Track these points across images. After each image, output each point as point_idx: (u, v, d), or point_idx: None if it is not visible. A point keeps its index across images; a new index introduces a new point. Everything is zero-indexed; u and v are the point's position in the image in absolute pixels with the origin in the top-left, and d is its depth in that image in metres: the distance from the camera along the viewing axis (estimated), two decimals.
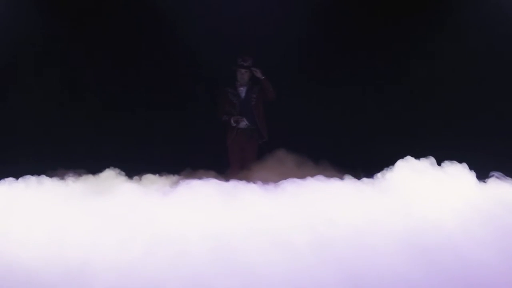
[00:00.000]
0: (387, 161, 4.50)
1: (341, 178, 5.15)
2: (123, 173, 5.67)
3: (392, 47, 7.00)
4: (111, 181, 5.43)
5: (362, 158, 6.47)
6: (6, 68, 6.80)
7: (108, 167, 5.82)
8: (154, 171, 6.26)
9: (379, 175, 4.34)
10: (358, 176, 5.62)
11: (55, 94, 7.07)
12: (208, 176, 6.04)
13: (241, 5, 6.89)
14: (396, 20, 6.91)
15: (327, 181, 4.38)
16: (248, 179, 5.69)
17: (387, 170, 4.38)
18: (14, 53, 6.84)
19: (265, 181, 4.94)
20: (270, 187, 4.31)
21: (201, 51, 7.05)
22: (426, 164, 4.35)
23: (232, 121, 6.86)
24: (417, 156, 4.44)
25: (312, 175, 5.24)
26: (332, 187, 4.26)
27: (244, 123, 6.85)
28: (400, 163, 4.37)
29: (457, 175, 4.31)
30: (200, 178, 5.81)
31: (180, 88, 7.29)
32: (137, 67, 7.27)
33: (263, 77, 6.81)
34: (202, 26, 6.98)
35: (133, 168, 5.90)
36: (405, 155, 4.58)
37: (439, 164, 4.37)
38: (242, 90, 6.93)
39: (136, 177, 5.78)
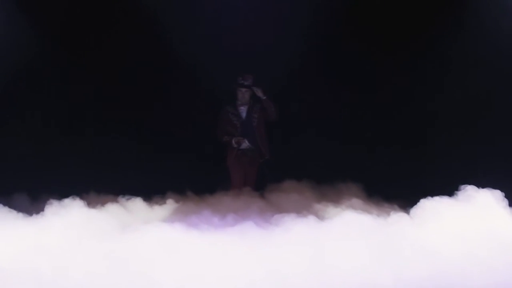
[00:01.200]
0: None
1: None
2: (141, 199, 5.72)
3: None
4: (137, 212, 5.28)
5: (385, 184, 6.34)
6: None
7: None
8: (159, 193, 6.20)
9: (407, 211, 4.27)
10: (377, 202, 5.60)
11: (54, 121, 6.92)
12: (211, 198, 5.97)
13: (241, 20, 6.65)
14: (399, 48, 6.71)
15: (346, 219, 4.19)
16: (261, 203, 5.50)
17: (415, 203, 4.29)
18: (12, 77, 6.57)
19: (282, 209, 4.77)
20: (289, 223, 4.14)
21: (200, 67, 6.80)
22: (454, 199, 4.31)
23: (233, 142, 6.59)
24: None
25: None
26: (351, 227, 4.06)
27: (245, 144, 6.60)
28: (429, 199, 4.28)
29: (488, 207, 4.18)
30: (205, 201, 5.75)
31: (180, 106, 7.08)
32: (138, 88, 7.02)
33: (264, 97, 6.58)
34: (200, 44, 6.76)
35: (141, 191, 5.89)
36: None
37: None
38: (243, 110, 6.68)
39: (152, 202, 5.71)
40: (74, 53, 6.76)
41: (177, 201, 6.03)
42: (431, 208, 4.21)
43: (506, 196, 4.32)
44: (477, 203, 4.23)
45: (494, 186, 4.35)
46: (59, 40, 6.68)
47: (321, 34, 6.72)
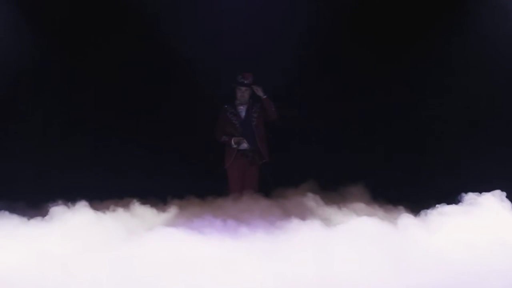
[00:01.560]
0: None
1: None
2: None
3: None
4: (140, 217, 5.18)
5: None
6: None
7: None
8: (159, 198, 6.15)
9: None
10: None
11: (53, 125, 6.87)
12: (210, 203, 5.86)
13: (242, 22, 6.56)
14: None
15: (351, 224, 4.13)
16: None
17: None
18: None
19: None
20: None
21: (201, 70, 6.72)
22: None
23: (233, 142, 6.38)
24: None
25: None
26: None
27: (245, 145, 6.40)
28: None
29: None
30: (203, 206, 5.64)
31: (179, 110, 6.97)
32: (140, 92, 6.94)
33: (264, 96, 6.38)
34: (201, 47, 6.66)
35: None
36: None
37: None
38: (242, 109, 6.48)
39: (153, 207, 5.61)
40: (76, 58, 6.69)
41: (177, 205, 5.91)
42: (439, 213, 4.19)
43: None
44: (483, 208, 4.21)
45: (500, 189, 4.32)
46: (61, 44, 6.60)
47: (321, 38, 6.61)
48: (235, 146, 6.39)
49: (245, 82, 6.42)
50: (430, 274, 3.57)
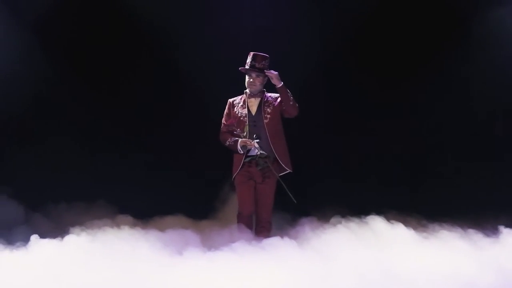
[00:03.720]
0: None
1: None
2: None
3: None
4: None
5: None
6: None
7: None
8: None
9: None
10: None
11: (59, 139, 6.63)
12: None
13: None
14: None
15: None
16: None
17: None
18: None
19: None
20: None
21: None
22: None
23: (239, 146, 4.82)
24: None
25: None
26: None
27: (256, 149, 4.79)
28: None
29: None
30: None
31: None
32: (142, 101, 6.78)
33: (280, 85, 4.79)
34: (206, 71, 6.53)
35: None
36: None
37: None
38: (253, 102, 4.92)
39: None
40: (81, 72, 6.58)
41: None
42: None
43: None
44: None
45: None
46: (66, 55, 6.57)
47: (329, 61, 6.54)
48: (242, 151, 4.82)
49: (257, 65, 4.84)
50: None
